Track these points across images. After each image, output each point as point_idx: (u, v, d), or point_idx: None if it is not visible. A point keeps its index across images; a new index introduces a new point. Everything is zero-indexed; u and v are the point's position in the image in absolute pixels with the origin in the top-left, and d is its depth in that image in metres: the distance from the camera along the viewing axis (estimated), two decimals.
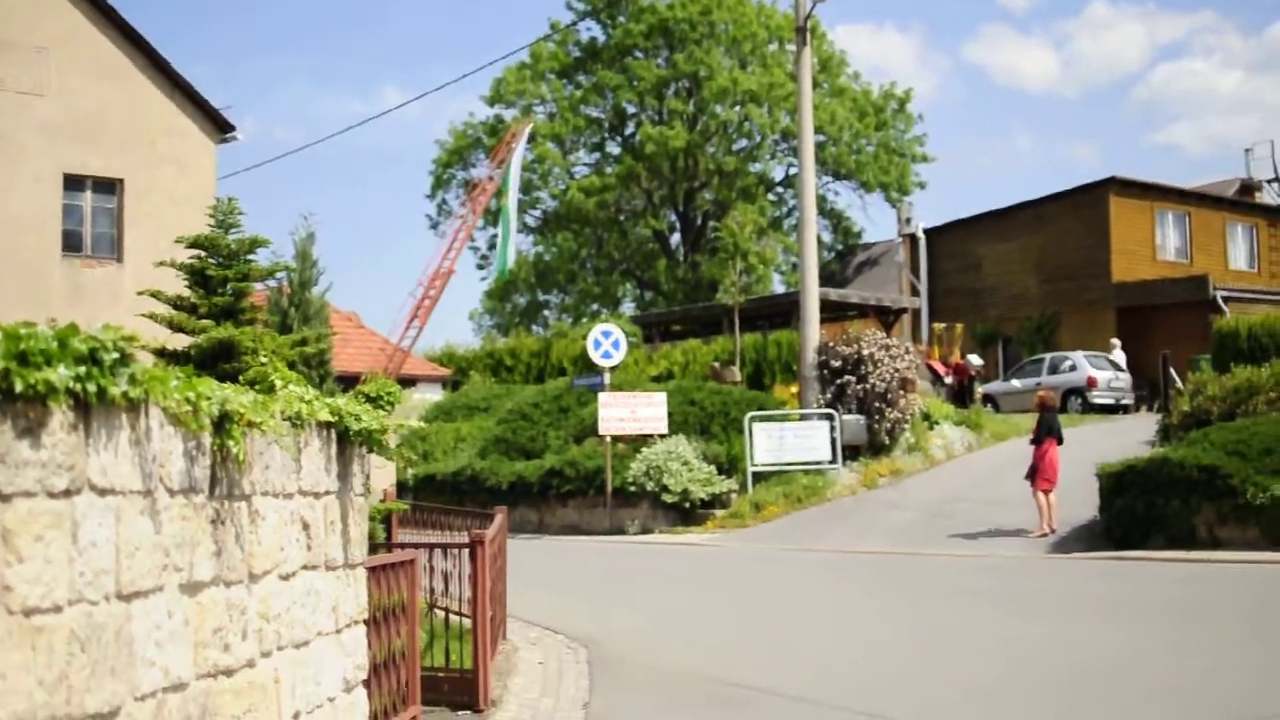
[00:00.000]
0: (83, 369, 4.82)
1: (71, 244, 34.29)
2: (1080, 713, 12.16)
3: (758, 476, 33.73)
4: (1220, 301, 51.40)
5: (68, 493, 4.80)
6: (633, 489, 33.41)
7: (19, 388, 4.42)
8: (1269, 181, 66.82)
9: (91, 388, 4.85)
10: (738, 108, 77.96)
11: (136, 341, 5.20)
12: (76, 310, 29.29)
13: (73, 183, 34.25)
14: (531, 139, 60.84)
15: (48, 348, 4.62)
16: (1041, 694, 12.96)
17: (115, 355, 5.01)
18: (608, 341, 35.95)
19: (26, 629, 4.51)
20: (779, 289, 73.01)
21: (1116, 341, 50.40)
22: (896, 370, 35.53)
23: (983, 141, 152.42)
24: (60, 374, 4.66)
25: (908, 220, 65.86)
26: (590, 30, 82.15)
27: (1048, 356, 50.72)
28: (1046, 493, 26.70)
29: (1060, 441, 27.29)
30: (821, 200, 78.50)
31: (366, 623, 9.14)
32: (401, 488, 30.55)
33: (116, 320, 5.18)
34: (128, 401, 5.21)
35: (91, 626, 4.96)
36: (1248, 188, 66.69)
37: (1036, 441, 27.29)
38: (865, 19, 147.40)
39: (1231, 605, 18.46)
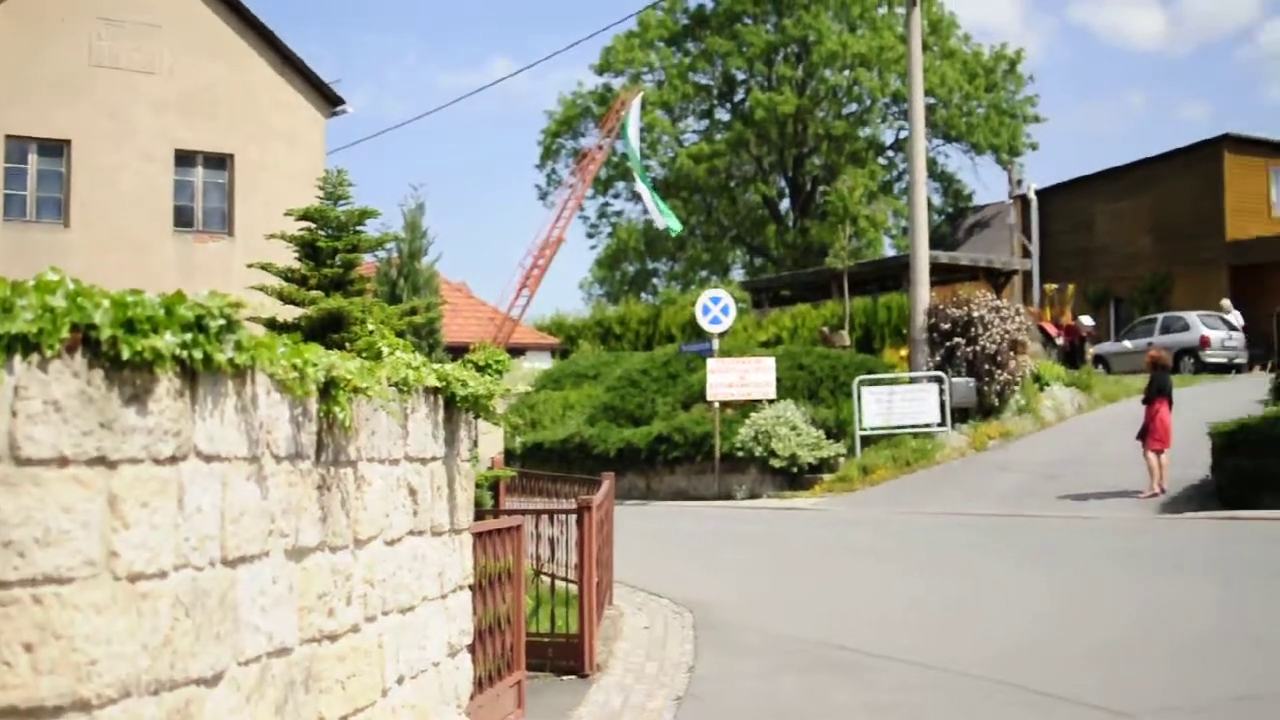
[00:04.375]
0: (189, 336, 4.85)
1: (183, 219, 34.71)
2: (1190, 672, 12.10)
3: (866, 440, 33.66)
4: None
5: (174, 459, 4.86)
6: (740, 454, 33.42)
7: (126, 355, 4.48)
8: None
9: (198, 354, 4.89)
10: (847, 72, 77.55)
11: (243, 308, 5.27)
12: (188, 284, 29.41)
13: (184, 159, 34.66)
14: (642, 107, 60.80)
15: (154, 315, 4.68)
16: (1155, 656, 12.88)
17: (221, 322, 5.07)
18: (717, 307, 35.98)
19: (132, 594, 4.59)
20: (889, 252, 72.57)
21: (1228, 303, 49.62)
22: (1007, 332, 35.28)
23: (1092, 102, 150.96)
24: (166, 341, 4.69)
25: (1019, 182, 65.32)
26: None
27: (1160, 316, 50.17)
28: (1158, 453, 26.48)
29: (1171, 402, 27.05)
30: (932, 163, 77.97)
31: (472, 588, 9.20)
32: (509, 455, 30.70)
33: (228, 293, 5.25)
34: (234, 368, 5.27)
35: (196, 592, 5.03)
36: None
37: (1147, 401, 27.08)
38: None
39: None
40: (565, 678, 12.90)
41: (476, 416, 9.35)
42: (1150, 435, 26.62)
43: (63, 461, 4.29)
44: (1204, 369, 46.02)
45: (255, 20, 36.08)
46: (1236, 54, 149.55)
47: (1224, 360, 46.93)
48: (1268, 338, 45.41)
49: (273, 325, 13.94)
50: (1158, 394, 26.97)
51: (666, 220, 53.01)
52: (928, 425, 33.88)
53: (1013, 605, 16.20)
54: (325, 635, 6.40)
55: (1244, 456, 24.51)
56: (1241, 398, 32.79)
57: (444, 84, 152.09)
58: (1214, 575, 17.86)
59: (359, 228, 15.18)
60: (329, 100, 37.53)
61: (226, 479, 5.33)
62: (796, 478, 32.93)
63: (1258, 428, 24.58)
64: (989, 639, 14.00)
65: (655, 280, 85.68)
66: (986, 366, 34.98)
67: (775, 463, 32.74)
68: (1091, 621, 14.79)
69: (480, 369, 10.87)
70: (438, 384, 8.29)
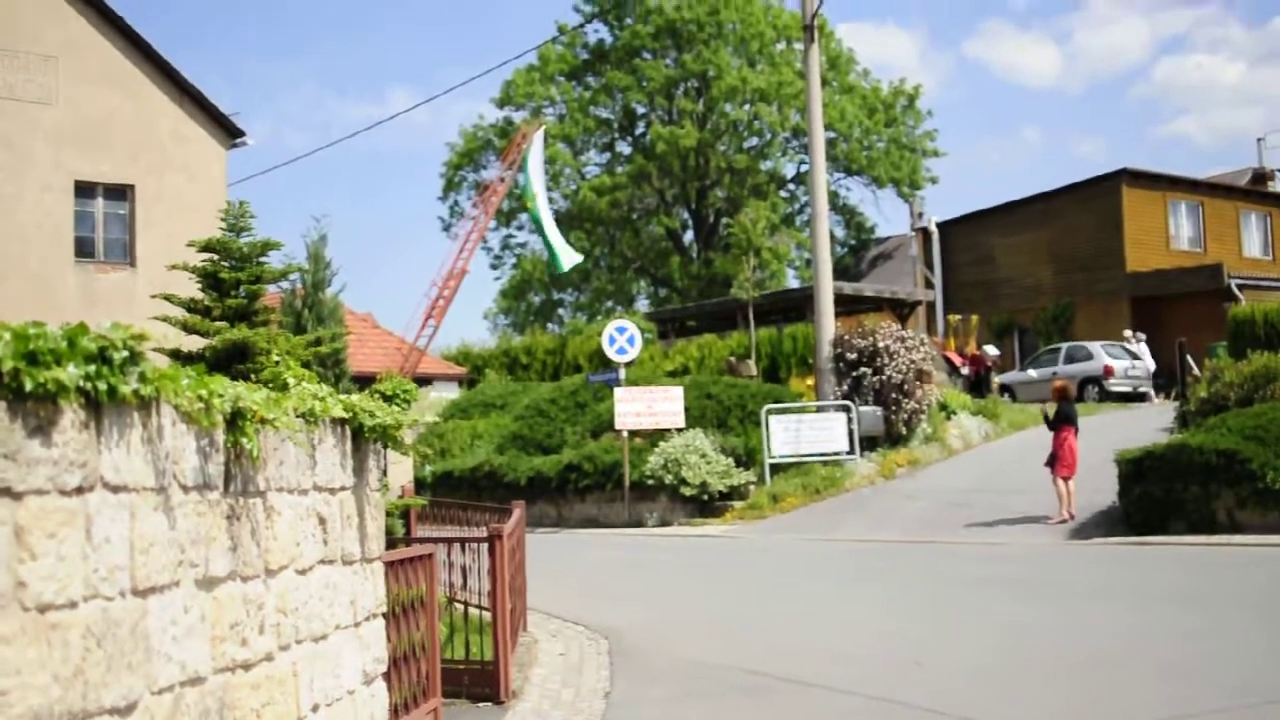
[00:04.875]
0: (93, 368, 4.82)
1: (84, 250, 34.36)
2: (1087, 694, 12.17)
3: (775, 468, 33.71)
4: (1235, 289, 51.35)
5: (80, 490, 4.82)
6: (650, 482, 33.38)
7: (29, 386, 4.43)
8: None
9: (102, 386, 4.86)
10: (747, 106, 78.22)
11: (146, 340, 5.21)
12: (90, 316, 28.97)
13: (84, 189, 34.31)
14: (544, 141, 60.96)
15: (57, 347, 4.63)
16: (1051, 677, 12.95)
17: (125, 354, 5.02)
18: (623, 337, 35.96)
19: (41, 625, 4.53)
20: (793, 284, 73.02)
21: (1142, 335, 49.76)
22: (913, 362, 35.49)
23: (989, 137, 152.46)
24: (70, 373, 4.66)
25: (920, 214, 65.98)
26: (598, 32, 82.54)
27: (1064, 346, 50.75)
28: (1066, 479, 26.66)
29: (1077, 429, 27.28)
30: (833, 196, 78.63)
31: (385, 616, 9.16)
32: (419, 484, 30.61)
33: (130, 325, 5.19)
34: (139, 399, 5.23)
35: (107, 622, 4.98)
36: (1260, 177, 66.66)
37: (1054, 428, 27.28)
38: (866, 16, 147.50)
39: (1249, 589, 18.47)
40: (481, 704, 12.86)
41: (385, 446, 9.32)
42: (1058, 462, 26.80)
43: None
44: (1108, 397, 46.52)
45: (153, 52, 35.82)
46: (1130, 91, 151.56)
47: (1128, 389, 47.46)
48: (1170, 367, 45.94)
49: (177, 356, 13.85)
50: (1064, 422, 27.17)
51: (554, 260, 52.98)
52: (836, 454, 33.98)
53: (924, 632, 16.22)
54: (239, 664, 6.35)
55: (1151, 483, 24.73)
56: (1147, 426, 33.15)
57: (344, 115, 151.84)
58: (1121, 599, 17.98)
59: (262, 259, 15.13)
60: (229, 132, 37.32)
61: (134, 509, 5.26)
62: (707, 505, 32.92)
63: (1164, 455, 24.80)
64: (898, 664, 14.02)
65: (561, 310, 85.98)
66: (893, 395, 35.16)
67: (686, 490, 32.73)
68: (995, 644, 14.85)
69: (387, 399, 10.83)
70: (345, 415, 8.27)
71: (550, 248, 51.95)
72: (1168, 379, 47.64)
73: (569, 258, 52.37)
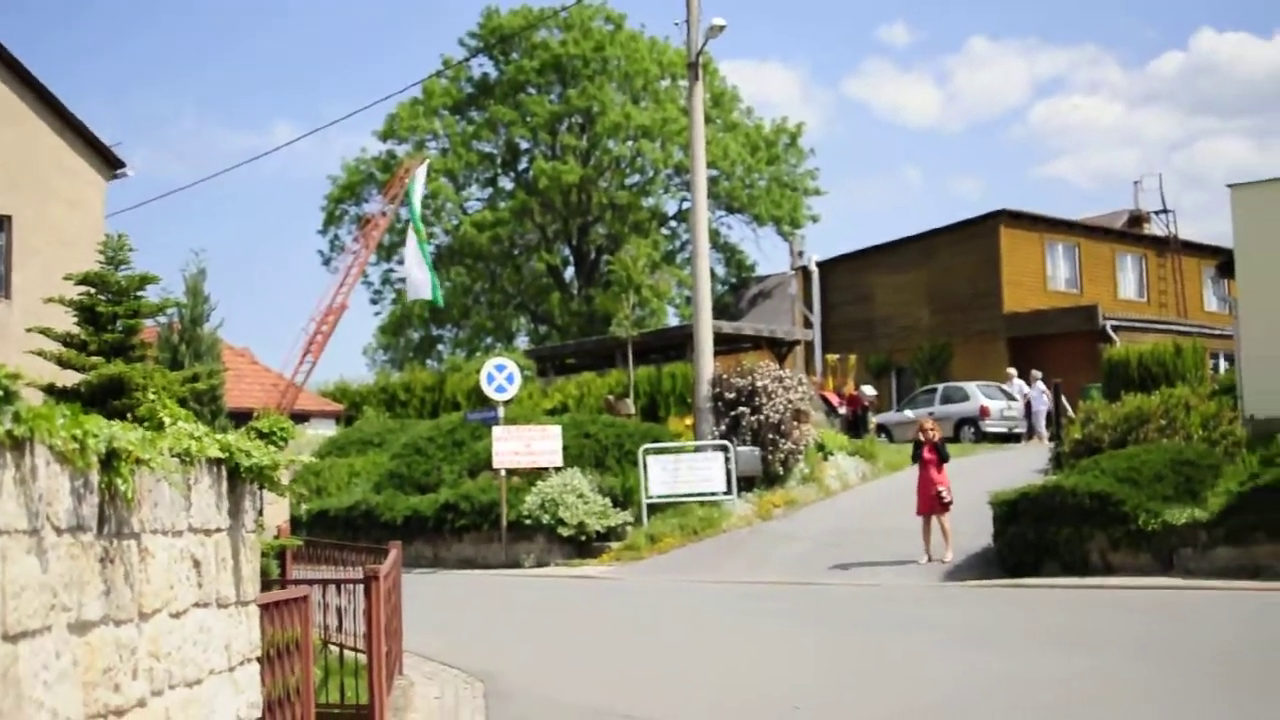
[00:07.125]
0: None
1: None
2: None
3: (653, 508, 33.67)
4: (1110, 331, 52.07)
5: None
6: (528, 522, 33.25)
7: None
8: (1157, 213, 67.68)
9: None
10: (630, 143, 78.28)
11: (22, 379, 5.13)
12: None
13: None
14: (426, 174, 60.80)
15: None
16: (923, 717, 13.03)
17: None
18: (501, 375, 35.82)
19: None
20: (673, 322, 73.11)
21: (1038, 373, 49.91)
22: (790, 401, 35.59)
23: (870, 176, 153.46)
24: None
25: (800, 253, 66.33)
26: (483, 66, 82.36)
27: (941, 386, 51.16)
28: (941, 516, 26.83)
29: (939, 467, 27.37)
30: (714, 234, 78.78)
31: (260, 660, 9.06)
32: (295, 523, 30.31)
33: (5, 358, 5.12)
34: (12, 440, 5.14)
35: None
36: (1136, 219, 67.64)
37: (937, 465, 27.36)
38: (748, 54, 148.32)
39: (1120, 631, 18.64)
40: None
41: (261, 487, 9.23)
42: (940, 499, 26.91)
43: None
44: (984, 438, 46.90)
45: (34, 80, 35.38)
46: (1009, 132, 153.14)
47: (1004, 429, 47.87)
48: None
49: (52, 391, 13.66)
50: (945, 460, 27.38)
51: (432, 294, 52.77)
52: (714, 494, 33.95)
53: (794, 672, 16.29)
54: (111, 710, 6.26)
55: (1025, 525, 24.93)
56: (1022, 466, 33.41)
57: (225, 146, 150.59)
58: (993, 642, 18.10)
59: (140, 293, 14.94)
60: (110, 163, 36.91)
61: (6, 552, 5.18)
62: (585, 546, 32.83)
63: (1038, 497, 25.03)
64: (776, 707, 14.04)
65: (440, 347, 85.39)
66: (771, 436, 35.22)
67: (563, 531, 32.63)
68: (872, 686, 14.92)
69: (264, 436, 10.74)
70: (221, 455, 8.18)
71: (432, 279, 51.78)
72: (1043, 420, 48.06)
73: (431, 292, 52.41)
